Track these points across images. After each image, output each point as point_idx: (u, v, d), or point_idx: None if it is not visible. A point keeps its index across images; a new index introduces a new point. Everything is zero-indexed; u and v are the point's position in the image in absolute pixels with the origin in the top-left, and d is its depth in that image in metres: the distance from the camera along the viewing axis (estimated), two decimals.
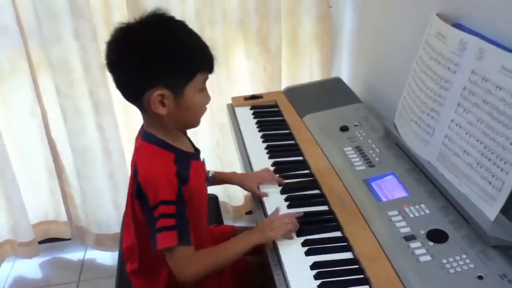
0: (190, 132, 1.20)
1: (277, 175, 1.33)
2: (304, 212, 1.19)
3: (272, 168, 1.37)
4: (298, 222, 1.13)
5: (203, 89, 1.07)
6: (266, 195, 1.27)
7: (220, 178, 1.36)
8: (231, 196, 2.17)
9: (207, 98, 1.09)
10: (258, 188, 1.29)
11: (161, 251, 1.04)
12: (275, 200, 1.24)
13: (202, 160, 1.21)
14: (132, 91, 1.05)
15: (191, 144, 1.19)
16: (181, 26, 1.05)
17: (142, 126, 1.13)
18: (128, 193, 1.14)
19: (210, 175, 1.29)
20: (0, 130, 1.85)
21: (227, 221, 2.09)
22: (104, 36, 1.83)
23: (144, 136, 1.11)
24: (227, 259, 1.11)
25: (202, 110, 1.10)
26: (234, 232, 1.40)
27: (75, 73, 1.80)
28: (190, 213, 1.08)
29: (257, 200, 1.28)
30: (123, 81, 1.05)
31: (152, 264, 1.16)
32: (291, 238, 1.11)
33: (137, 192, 1.06)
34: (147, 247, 1.11)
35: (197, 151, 1.19)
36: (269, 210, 1.21)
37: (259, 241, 1.10)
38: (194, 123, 1.12)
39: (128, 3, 1.74)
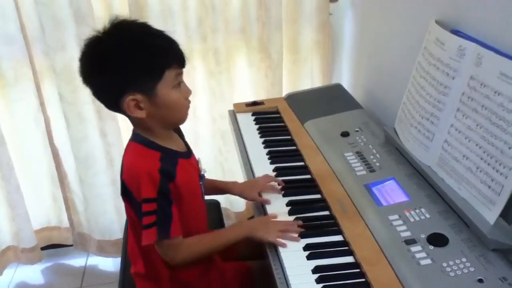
0: (190, 139, 1.20)
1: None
2: (306, 216, 1.20)
3: (273, 174, 1.38)
4: (304, 227, 1.14)
5: (178, 84, 1.07)
6: (268, 202, 1.26)
7: (220, 188, 1.37)
8: (232, 202, 2.18)
9: (186, 92, 1.09)
10: (260, 195, 1.29)
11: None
12: (277, 205, 1.25)
13: (197, 158, 1.22)
14: (108, 100, 1.08)
15: (184, 142, 1.20)
16: (141, 29, 1.06)
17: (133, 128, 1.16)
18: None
19: (203, 173, 1.25)
20: (4, 137, 1.86)
21: None
22: None
23: (132, 137, 1.14)
24: (216, 248, 1.16)
25: (183, 105, 1.10)
26: None
27: (78, 80, 1.77)
28: (184, 210, 1.11)
29: (259, 205, 1.29)
30: (97, 92, 1.07)
31: (154, 264, 1.17)
32: (283, 246, 1.10)
33: (123, 190, 1.09)
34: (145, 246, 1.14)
35: (189, 149, 1.20)
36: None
37: (250, 237, 1.14)
38: (179, 119, 1.13)
39: (132, 11, 1.76)
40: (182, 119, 1.13)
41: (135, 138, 1.12)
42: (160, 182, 1.05)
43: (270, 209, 1.24)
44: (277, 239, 1.11)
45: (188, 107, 1.12)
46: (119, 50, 1.02)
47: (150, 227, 1.05)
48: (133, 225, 1.16)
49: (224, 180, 2.08)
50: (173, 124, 1.16)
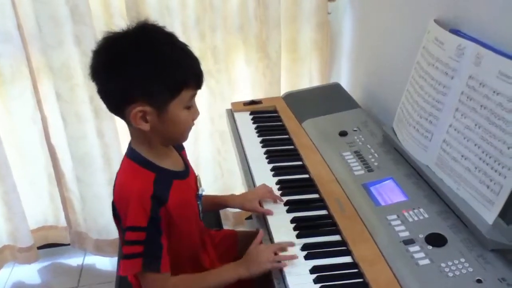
0: (189, 139, 1.14)
1: (276, 179, 1.33)
2: (304, 216, 1.19)
3: (271, 173, 1.38)
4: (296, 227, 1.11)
5: (191, 106, 1.03)
6: (270, 212, 1.21)
7: (218, 203, 1.32)
8: None
9: (194, 114, 1.05)
10: (261, 205, 1.24)
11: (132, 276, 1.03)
12: (274, 205, 1.25)
13: (196, 175, 1.16)
14: (113, 103, 1.01)
15: (182, 159, 1.15)
16: (168, 38, 1.00)
17: (130, 141, 1.09)
18: None
19: (200, 191, 1.18)
20: (1, 135, 1.85)
21: (227, 227, 2.09)
22: None
23: (128, 153, 1.07)
24: None
25: (189, 126, 1.06)
26: (235, 236, 1.40)
27: (76, 78, 1.81)
28: (174, 234, 1.04)
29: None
30: (103, 91, 1.00)
31: None
32: (283, 266, 1.04)
33: (113, 211, 1.04)
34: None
35: (187, 168, 1.14)
36: (269, 216, 1.20)
37: (243, 277, 1.07)
38: (181, 139, 1.09)
39: (129, 10, 1.76)
40: (183, 139, 1.09)
41: (131, 154, 1.05)
42: (151, 210, 0.99)
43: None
44: (274, 264, 1.04)
45: (191, 128, 1.07)
46: (140, 56, 0.95)
47: (133, 258, 0.98)
48: None
49: (224, 179, 2.10)
50: (173, 142, 1.11)
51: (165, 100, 0.98)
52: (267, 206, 1.24)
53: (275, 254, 1.06)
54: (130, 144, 1.08)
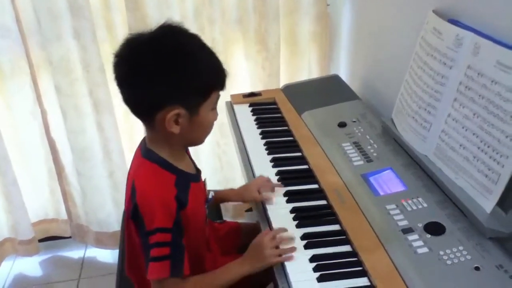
0: None
1: (276, 170, 1.34)
2: (303, 206, 1.20)
3: (271, 164, 1.38)
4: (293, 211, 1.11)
5: (215, 108, 1.04)
6: (269, 199, 1.22)
7: (219, 198, 1.31)
8: None
9: (216, 115, 1.06)
10: (260, 193, 1.24)
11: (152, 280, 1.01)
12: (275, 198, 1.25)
13: (203, 180, 1.17)
14: (144, 109, 0.99)
15: (193, 163, 1.15)
16: (195, 41, 1.00)
17: (144, 140, 1.08)
18: (125, 209, 1.08)
19: (210, 196, 1.21)
20: (1, 129, 1.86)
21: (227, 219, 2.10)
22: (104, 36, 1.84)
23: (145, 154, 1.05)
24: None
25: (211, 128, 1.07)
26: (238, 229, 1.41)
27: (75, 72, 1.82)
28: (186, 238, 1.04)
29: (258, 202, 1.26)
30: (133, 98, 0.99)
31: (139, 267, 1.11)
32: (289, 259, 1.04)
33: (133, 214, 1.00)
34: (138, 270, 1.09)
35: (198, 171, 1.14)
36: (269, 207, 1.21)
37: (250, 273, 1.07)
38: (201, 141, 1.08)
39: (128, 4, 1.75)
40: (202, 142, 1.09)
41: (149, 156, 1.03)
42: (176, 211, 0.99)
43: (269, 203, 1.23)
44: (278, 259, 1.04)
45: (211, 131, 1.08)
46: (171, 60, 0.94)
47: (161, 260, 0.97)
48: (130, 248, 1.10)
49: (224, 173, 2.11)
50: (193, 144, 1.11)
51: (198, 103, 0.98)
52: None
53: (277, 247, 1.07)
54: (145, 144, 1.06)
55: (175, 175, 1.03)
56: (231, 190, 1.34)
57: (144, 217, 0.98)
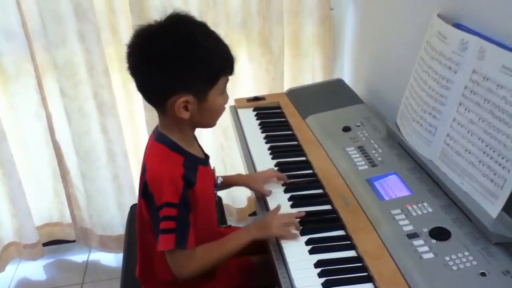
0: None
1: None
2: (308, 211, 1.20)
3: (275, 169, 1.38)
4: (299, 222, 1.14)
5: (224, 91, 1.08)
6: (268, 194, 1.26)
7: (226, 182, 1.35)
8: (234, 198, 2.18)
9: (226, 98, 1.09)
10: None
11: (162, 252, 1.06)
12: (278, 199, 1.25)
13: (212, 168, 1.21)
14: (155, 95, 1.05)
15: (201, 149, 1.19)
16: (202, 29, 1.04)
17: (157, 126, 1.13)
18: (139, 192, 1.14)
19: (219, 181, 1.28)
20: (6, 132, 1.86)
21: (231, 223, 2.10)
22: (108, 39, 1.85)
23: (157, 137, 1.11)
24: (225, 256, 1.13)
25: (222, 111, 1.11)
26: None
27: (80, 75, 1.82)
28: (197, 217, 1.08)
29: (261, 201, 1.29)
30: (146, 85, 1.04)
31: (151, 266, 1.16)
32: (293, 238, 1.10)
33: (144, 191, 1.07)
34: (147, 248, 1.13)
35: (206, 157, 1.18)
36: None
37: (257, 239, 1.13)
38: (212, 124, 1.13)
39: (132, 7, 1.76)
40: (213, 125, 1.13)
41: (160, 138, 1.09)
42: (182, 188, 1.04)
43: (272, 205, 1.23)
44: (284, 234, 1.11)
45: (222, 113, 1.12)
46: (180, 48, 0.99)
47: (168, 233, 1.03)
48: (142, 226, 1.14)
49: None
50: (204, 127, 1.17)
51: (206, 89, 1.03)
52: (273, 203, 1.24)
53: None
54: (158, 129, 1.12)
55: (183, 156, 1.08)
56: (239, 175, 1.38)
57: (154, 194, 1.04)
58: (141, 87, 1.05)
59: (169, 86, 1.01)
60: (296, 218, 1.16)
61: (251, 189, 1.33)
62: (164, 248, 1.04)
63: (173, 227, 1.03)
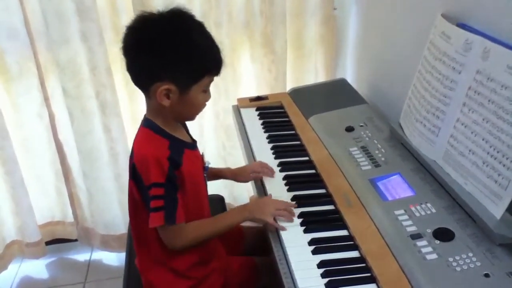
0: (194, 134, 1.22)
1: (283, 174, 1.34)
2: (311, 211, 1.19)
3: (278, 168, 1.38)
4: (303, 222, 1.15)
5: (207, 90, 1.12)
6: (260, 176, 1.33)
7: (214, 174, 1.39)
8: (236, 197, 2.18)
9: (207, 97, 1.14)
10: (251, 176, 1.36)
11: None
12: (282, 199, 1.25)
13: (201, 153, 1.24)
14: (141, 78, 1.10)
15: (189, 135, 1.23)
16: (198, 27, 1.09)
17: (145, 114, 1.17)
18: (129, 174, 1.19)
19: (207, 165, 1.31)
20: (9, 131, 1.86)
21: None
22: (111, 38, 1.85)
23: (143, 122, 1.16)
24: (216, 232, 1.19)
25: (201, 108, 1.15)
26: (241, 232, 1.42)
27: (82, 74, 1.82)
28: (188, 200, 1.14)
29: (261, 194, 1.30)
30: (134, 67, 1.09)
31: (146, 244, 1.20)
32: (282, 228, 1.13)
33: (132, 173, 1.12)
34: (140, 225, 1.17)
35: (194, 141, 1.23)
36: None
37: (249, 219, 1.18)
38: (191, 118, 1.17)
39: (135, 6, 1.76)
40: (192, 119, 1.17)
41: (146, 123, 1.14)
42: (168, 169, 1.08)
43: None
44: (273, 222, 1.14)
45: (202, 110, 1.16)
46: (171, 38, 1.04)
47: (157, 211, 1.09)
48: (134, 206, 1.18)
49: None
50: (184, 120, 1.21)
51: (189, 83, 1.07)
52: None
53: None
54: (145, 115, 1.16)
55: (168, 140, 1.12)
56: (228, 168, 1.45)
57: (142, 175, 1.09)
58: (130, 68, 1.09)
59: (155, 71, 1.05)
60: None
61: (239, 181, 1.41)
62: (155, 225, 1.10)
63: (161, 205, 1.08)
